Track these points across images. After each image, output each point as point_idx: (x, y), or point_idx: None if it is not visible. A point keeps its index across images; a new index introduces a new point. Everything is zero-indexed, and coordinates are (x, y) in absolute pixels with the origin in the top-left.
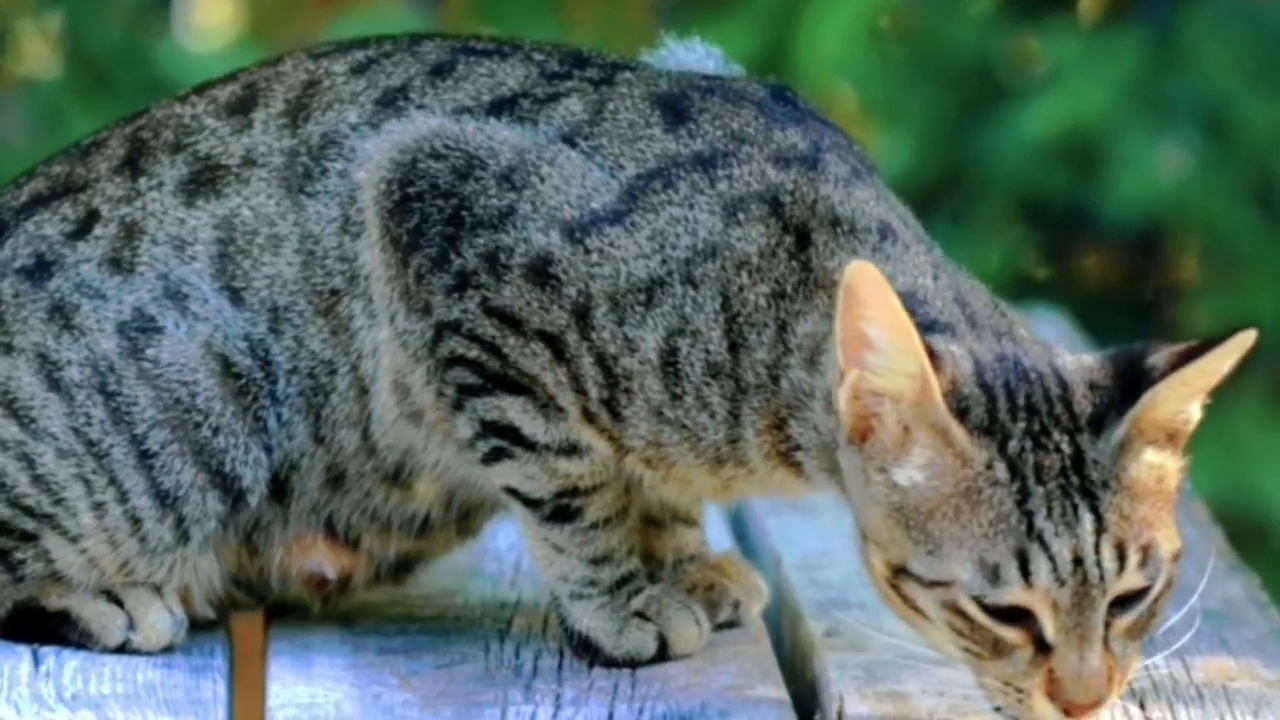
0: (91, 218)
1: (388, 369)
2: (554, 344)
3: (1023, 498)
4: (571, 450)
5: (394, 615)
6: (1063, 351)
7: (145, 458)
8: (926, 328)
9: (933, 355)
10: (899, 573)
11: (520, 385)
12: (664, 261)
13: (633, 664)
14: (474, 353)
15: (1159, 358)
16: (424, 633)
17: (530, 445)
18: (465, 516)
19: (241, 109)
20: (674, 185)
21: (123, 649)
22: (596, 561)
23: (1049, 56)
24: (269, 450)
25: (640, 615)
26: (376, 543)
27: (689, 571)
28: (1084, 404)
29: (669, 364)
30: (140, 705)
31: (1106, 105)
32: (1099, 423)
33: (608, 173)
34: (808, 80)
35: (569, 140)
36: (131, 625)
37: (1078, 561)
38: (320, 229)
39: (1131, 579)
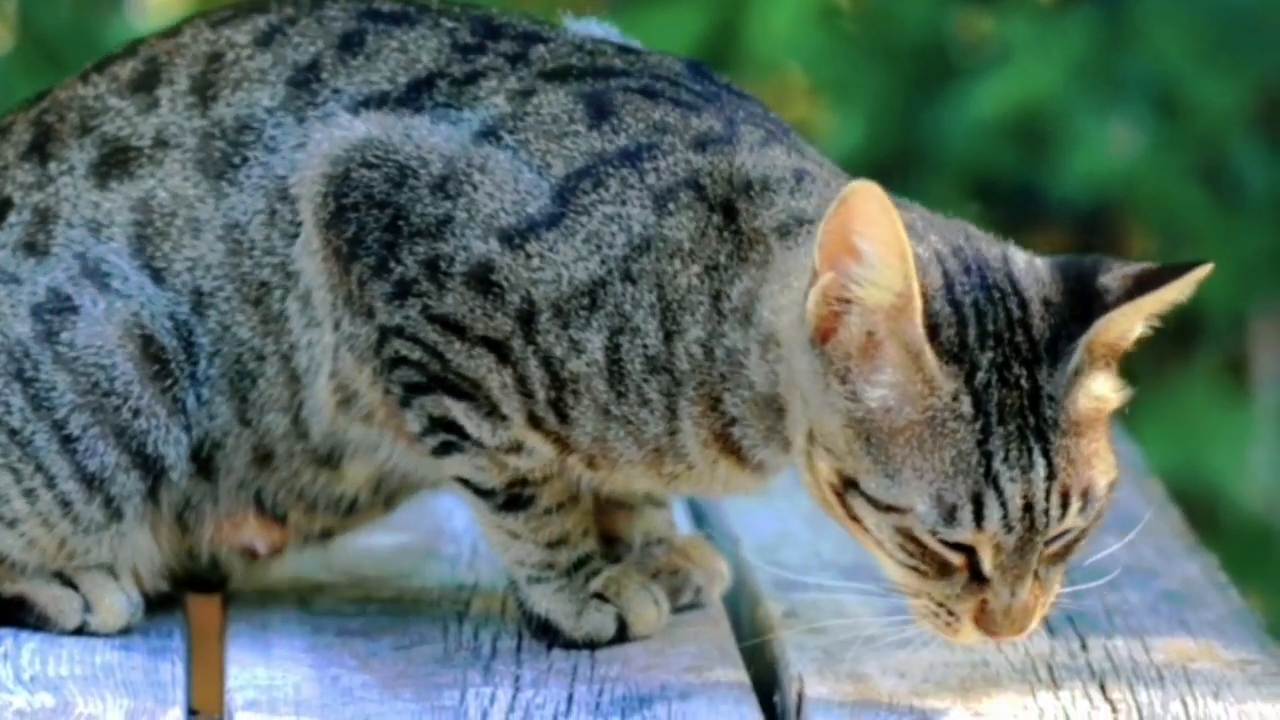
0: (4, 206)
1: (327, 370)
2: (498, 349)
3: (984, 437)
4: (519, 449)
5: (352, 597)
6: (1014, 253)
7: (68, 442)
8: None
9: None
10: (849, 486)
11: (462, 390)
12: (603, 262)
13: (592, 645)
14: (417, 354)
15: (1111, 279)
16: (383, 614)
17: (478, 443)
18: (390, 499)
19: (144, 86)
20: (604, 184)
21: (80, 631)
22: (552, 545)
23: (1000, 35)
24: (188, 429)
25: (599, 596)
26: (303, 520)
27: (655, 555)
28: (1041, 327)
29: (614, 362)
30: (99, 687)
31: (1058, 84)
32: (1054, 348)
33: (537, 173)
34: (758, 61)
35: (493, 134)
36: (88, 608)
37: (1027, 508)
38: (246, 219)
39: (1070, 522)
